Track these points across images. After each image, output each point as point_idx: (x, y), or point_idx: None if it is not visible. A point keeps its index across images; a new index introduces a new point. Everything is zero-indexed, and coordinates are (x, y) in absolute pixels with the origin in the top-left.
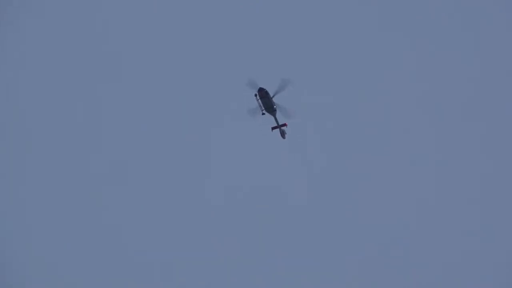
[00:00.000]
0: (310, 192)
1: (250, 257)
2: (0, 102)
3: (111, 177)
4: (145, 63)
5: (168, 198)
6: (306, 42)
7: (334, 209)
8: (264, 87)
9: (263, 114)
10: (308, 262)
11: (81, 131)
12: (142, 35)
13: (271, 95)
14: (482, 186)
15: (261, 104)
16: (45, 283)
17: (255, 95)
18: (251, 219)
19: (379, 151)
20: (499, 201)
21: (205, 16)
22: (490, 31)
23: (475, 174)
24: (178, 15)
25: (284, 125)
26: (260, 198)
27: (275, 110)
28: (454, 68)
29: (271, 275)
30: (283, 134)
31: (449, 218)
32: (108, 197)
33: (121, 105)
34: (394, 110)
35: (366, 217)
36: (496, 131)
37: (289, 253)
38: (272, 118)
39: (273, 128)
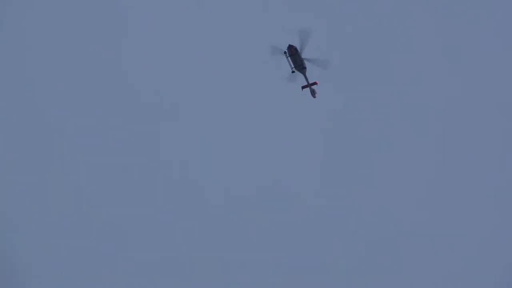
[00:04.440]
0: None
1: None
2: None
3: (113, 176)
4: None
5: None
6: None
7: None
8: (294, 44)
9: (293, 72)
10: (309, 260)
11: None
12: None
13: (300, 52)
14: (483, 187)
15: (291, 62)
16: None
17: (285, 52)
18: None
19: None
20: (499, 201)
21: None
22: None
23: (477, 175)
24: None
25: (315, 83)
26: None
27: (305, 68)
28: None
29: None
30: (313, 93)
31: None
32: (108, 196)
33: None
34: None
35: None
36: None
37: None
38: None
39: (303, 87)
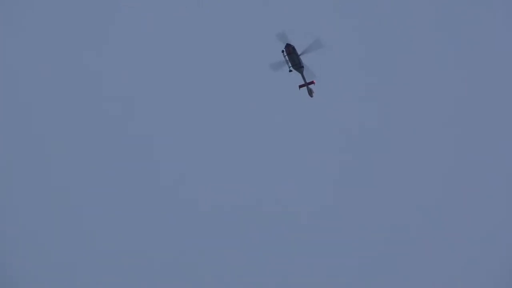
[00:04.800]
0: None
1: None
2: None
3: (111, 180)
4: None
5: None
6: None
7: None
8: (292, 43)
9: (290, 71)
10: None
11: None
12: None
13: (299, 52)
14: (483, 187)
15: (288, 61)
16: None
17: (282, 51)
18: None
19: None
20: (500, 201)
21: None
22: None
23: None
24: None
25: (312, 82)
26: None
27: (303, 67)
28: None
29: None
30: (310, 92)
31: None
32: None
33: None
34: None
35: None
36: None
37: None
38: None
39: (300, 86)
